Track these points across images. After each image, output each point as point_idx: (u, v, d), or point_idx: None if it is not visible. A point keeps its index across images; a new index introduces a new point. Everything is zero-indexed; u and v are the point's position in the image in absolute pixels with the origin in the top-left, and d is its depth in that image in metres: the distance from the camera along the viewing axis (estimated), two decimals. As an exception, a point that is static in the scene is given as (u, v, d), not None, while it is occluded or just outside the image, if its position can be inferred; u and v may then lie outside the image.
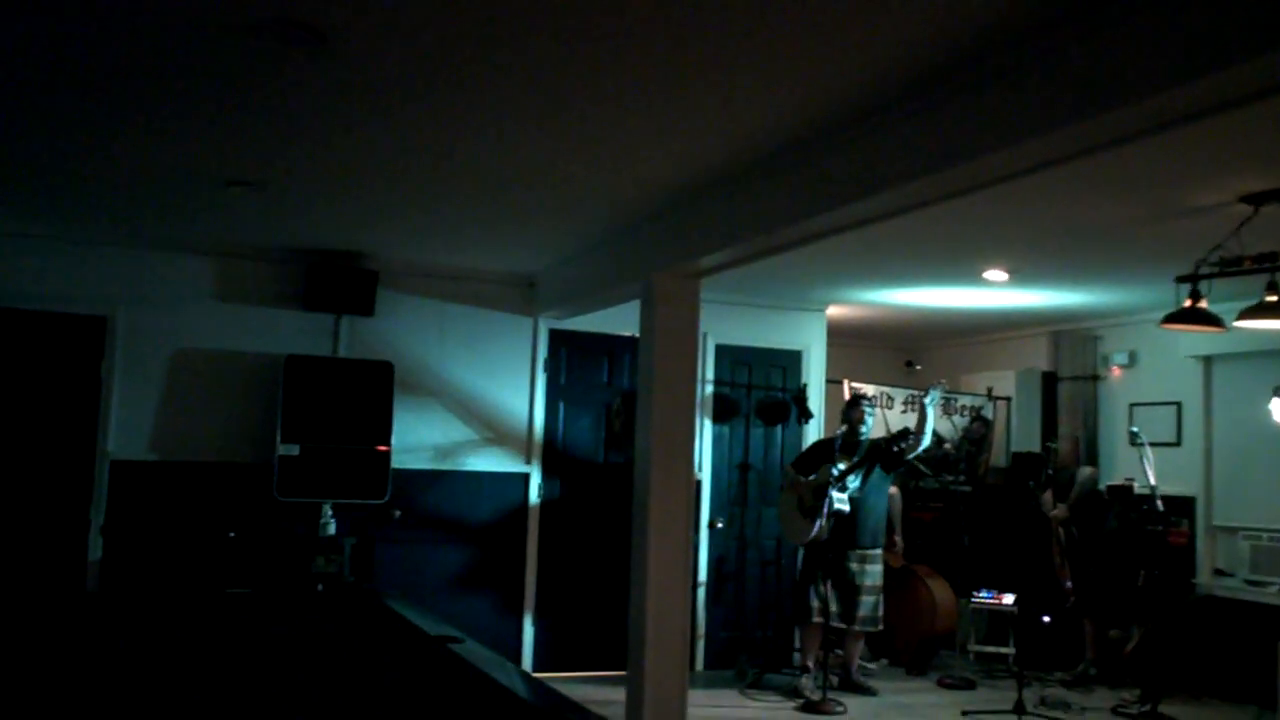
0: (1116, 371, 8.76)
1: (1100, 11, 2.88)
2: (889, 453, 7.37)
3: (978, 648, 8.40)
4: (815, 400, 8.42)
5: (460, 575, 7.47)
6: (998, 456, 9.19)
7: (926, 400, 7.32)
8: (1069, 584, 7.92)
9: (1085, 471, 8.33)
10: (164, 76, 3.82)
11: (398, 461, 7.16)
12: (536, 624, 7.69)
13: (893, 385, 9.06)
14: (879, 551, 7.45)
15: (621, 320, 7.34)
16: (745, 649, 8.06)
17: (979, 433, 9.10)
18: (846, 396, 8.38)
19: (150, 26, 3.36)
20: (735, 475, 8.29)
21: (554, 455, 7.82)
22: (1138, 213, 5.22)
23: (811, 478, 7.32)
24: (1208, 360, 7.97)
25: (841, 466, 7.19)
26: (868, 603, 7.31)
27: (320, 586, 6.67)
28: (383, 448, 7.07)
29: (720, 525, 8.18)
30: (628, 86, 3.74)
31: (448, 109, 4.09)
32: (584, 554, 7.78)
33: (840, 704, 6.98)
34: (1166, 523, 7.45)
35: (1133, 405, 8.48)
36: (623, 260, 6.18)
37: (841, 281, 7.62)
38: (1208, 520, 7.90)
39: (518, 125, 4.26)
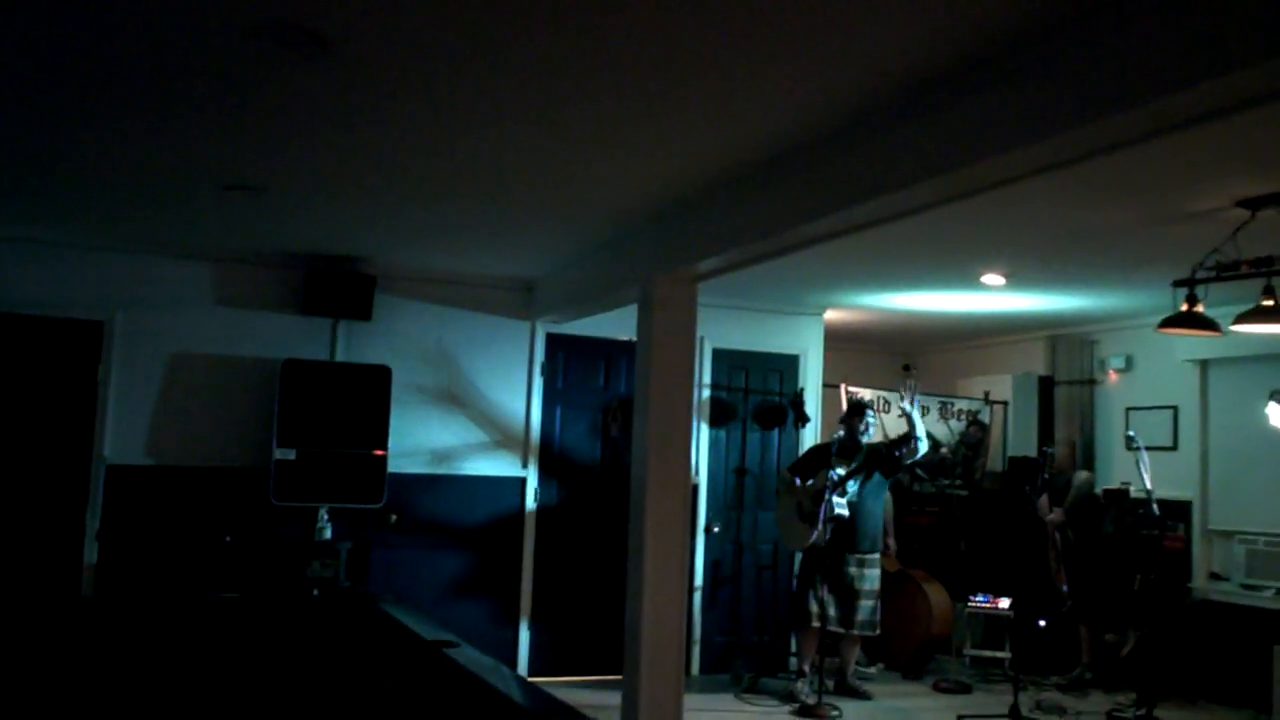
0: (1113, 376, 8.77)
1: (1100, 16, 2.89)
2: (889, 458, 7.38)
3: (973, 652, 8.40)
4: (812, 404, 8.42)
5: (456, 579, 7.47)
6: (994, 461, 9.20)
7: (904, 404, 7.31)
8: (1065, 588, 7.93)
9: (1081, 476, 8.34)
10: (162, 80, 3.82)
11: (394, 466, 7.16)
12: (532, 628, 7.68)
13: (890, 390, 9.05)
14: (877, 556, 7.45)
15: (619, 325, 7.35)
16: (741, 653, 8.05)
17: (975, 437, 9.11)
18: (844, 400, 8.39)
19: (150, 29, 3.35)
20: (732, 479, 8.29)
21: (551, 459, 7.81)
22: (1135, 217, 5.22)
23: (809, 483, 7.32)
24: (1204, 365, 7.98)
25: (840, 471, 7.19)
26: (866, 607, 7.32)
27: (316, 591, 6.66)
28: (380, 452, 7.06)
29: (716, 530, 8.18)
30: (626, 90, 3.74)
31: (446, 113, 4.09)
32: (580, 558, 7.77)
33: (836, 708, 6.98)
34: (1162, 527, 7.45)
35: (1129, 409, 8.49)
36: (620, 264, 6.18)
37: (839, 286, 7.63)
38: (1204, 525, 7.91)
39: (516, 130, 4.26)
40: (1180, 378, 8.09)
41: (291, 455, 6.85)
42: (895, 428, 8.18)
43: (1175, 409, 8.17)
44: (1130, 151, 3.16)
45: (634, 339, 6.04)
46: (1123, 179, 4.58)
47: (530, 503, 7.70)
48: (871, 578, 7.36)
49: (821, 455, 7.45)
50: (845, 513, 7.14)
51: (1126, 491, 7.81)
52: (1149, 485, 7.00)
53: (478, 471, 7.58)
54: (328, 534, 6.99)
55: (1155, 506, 7.10)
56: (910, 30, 3.13)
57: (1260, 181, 4.54)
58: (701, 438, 8.11)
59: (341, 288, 7.11)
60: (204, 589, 6.61)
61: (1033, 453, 8.74)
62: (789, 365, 8.51)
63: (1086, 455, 8.81)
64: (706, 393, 8.19)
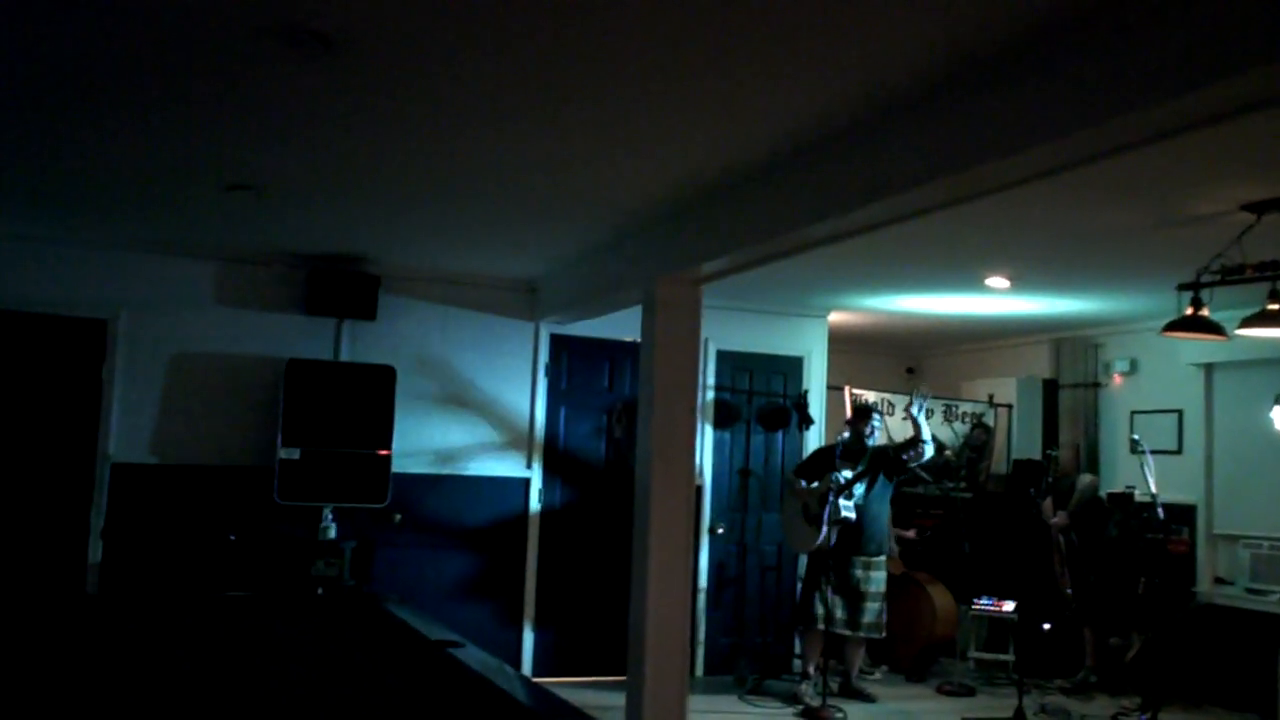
0: (1118, 379, 8.76)
1: (1104, 19, 2.89)
2: (895, 460, 7.38)
3: (978, 655, 8.40)
4: (816, 406, 8.42)
5: (460, 579, 7.47)
6: (999, 463, 9.19)
7: (913, 410, 7.30)
8: (1069, 591, 7.92)
9: (1085, 479, 8.32)
10: (166, 79, 3.83)
11: (398, 466, 7.16)
12: (536, 628, 7.68)
13: (894, 392, 9.06)
14: (883, 558, 7.44)
15: (623, 325, 7.35)
16: (745, 655, 8.05)
17: (980, 440, 9.10)
18: (848, 403, 8.39)
19: (154, 29, 3.36)
20: (736, 481, 8.29)
21: (555, 460, 7.82)
22: (1140, 220, 5.22)
23: (814, 485, 7.31)
24: (1209, 368, 7.97)
25: (846, 474, 7.18)
26: (872, 609, 7.31)
27: (320, 590, 6.66)
28: (384, 452, 7.07)
29: (721, 531, 8.18)
30: (631, 91, 3.75)
31: (450, 113, 4.09)
32: (584, 558, 7.78)
33: (840, 710, 6.98)
34: (1167, 531, 7.44)
35: (1134, 413, 8.48)
36: (624, 266, 6.18)
37: (844, 288, 7.63)
38: (1208, 528, 7.90)
39: (520, 130, 4.26)
40: (1185, 381, 8.08)
41: (296, 455, 6.86)
42: (900, 430, 8.17)
43: (1180, 413, 8.16)
44: (1135, 154, 3.16)
45: (638, 340, 6.05)
46: (1127, 182, 4.58)
47: (534, 503, 7.71)
48: (877, 580, 7.35)
49: (826, 458, 7.44)
50: (852, 516, 7.14)
51: (1131, 495, 7.80)
52: (1154, 489, 6.99)
53: (482, 472, 7.59)
54: (332, 533, 7.00)
55: (1160, 510, 7.09)
56: (915, 33, 3.13)
57: (1265, 185, 4.53)
58: (705, 439, 8.11)
59: (345, 288, 7.12)
60: (208, 588, 6.61)
61: (1037, 456, 8.74)
62: (793, 367, 8.51)
63: (1091, 459, 8.80)
64: (710, 394, 8.19)
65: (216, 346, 7.05)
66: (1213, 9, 2.60)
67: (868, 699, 7.43)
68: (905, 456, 7.33)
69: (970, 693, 7.74)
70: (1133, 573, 7.45)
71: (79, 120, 4.38)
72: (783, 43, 3.26)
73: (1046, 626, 7.85)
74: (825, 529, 7.06)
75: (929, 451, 7.36)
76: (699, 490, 7.93)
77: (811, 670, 7.36)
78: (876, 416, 7.64)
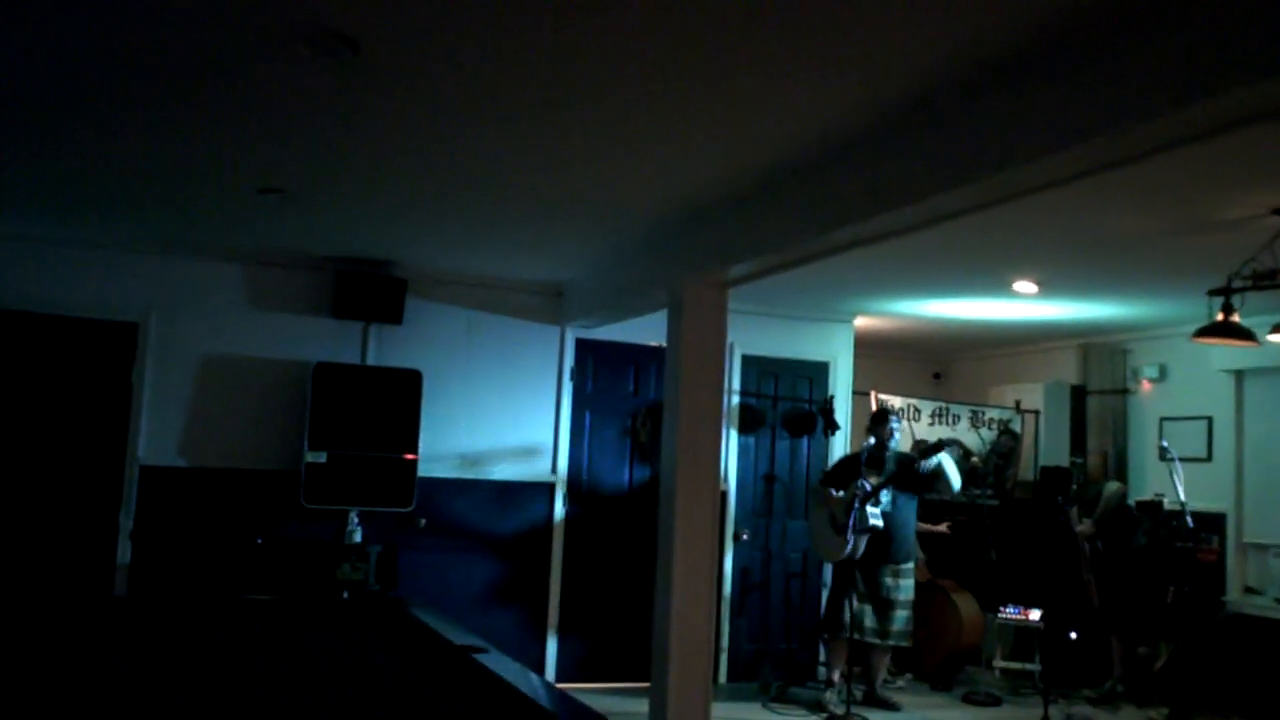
0: (1146, 385, 8.69)
1: (1135, 21, 2.87)
2: (917, 477, 7.32)
3: (1003, 664, 8.34)
4: (842, 412, 8.39)
5: (484, 583, 7.48)
6: (1025, 470, 9.13)
7: (942, 457, 7.24)
8: (1096, 600, 7.86)
9: (1111, 487, 8.26)
10: (196, 84, 3.86)
11: (424, 470, 7.19)
12: (560, 633, 7.68)
13: (920, 397, 9.02)
14: (911, 565, 7.40)
15: (648, 330, 7.35)
16: (769, 662, 8.03)
17: (1006, 446, 9.04)
18: (874, 408, 8.36)
19: (185, 35, 3.39)
20: (761, 487, 8.27)
21: (580, 465, 7.82)
22: (1169, 225, 5.18)
23: (841, 494, 7.28)
24: (1239, 374, 7.89)
25: (872, 481, 7.15)
26: (901, 617, 7.27)
27: (345, 594, 6.69)
28: (410, 456, 7.09)
29: (745, 537, 8.16)
30: (659, 93, 3.74)
31: (478, 118, 4.11)
32: (608, 563, 7.77)
33: (864, 718, 6.94)
34: (1196, 539, 7.38)
35: (1163, 419, 8.41)
36: (651, 269, 6.18)
37: (870, 292, 7.60)
38: (1238, 537, 7.82)
39: (547, 134, 4.27)
40: (1215, 388, 8.01)
41: (322, 458, 6.90)
42: (923, 435, 8.14)
43: (1210, 419, 8.09)
44: (1165, 158, 3.13)
45: (664, 344, 6.05)
46: (1157, 186, 4.55)
47: (559, 507, 7.71)
48: (906, 588, 7.31)
49: (852, 465, 7.42)
50: (879, 524, 7.10)
51: (1160, 503, 7.73)
52: (1182, 497, 6.93)
53: (506, 476, 7.60)
54: (357, 537, 7.03)
55: (1189, 518, 7.03)
56: (944, 34, 3.12)
57: (1297, 190, 4.49)
58: (731, 444, 8.10)
59: (372, 291, 7.15)
60: (235, 590, 6.66)
61: (1065, 463, 8.67)
62: (819, 372, 8.48)
63: (1119, 466, 8.73)
64: (736, 399, 8.18)
65: (245, 349, 7.09)
66: (1244, 11, 2.58)
67: (892, 707, 7.39)
68: (917, 466, 7.26)
69: (996, 702, 7.69)
70: (1161, 582, 7.39)
71: (110, 125, 4.42)
72: (812, 45, 3.25)
73: (1073, 635, 7.79)
74: (853, 538, 7.03)
75: (955, 487, 7.34)
76: (724, 496, 7.92)
77: (836, 678, 7.33)
78: (895, 419, 7.60)
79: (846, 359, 8.57)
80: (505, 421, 7.62)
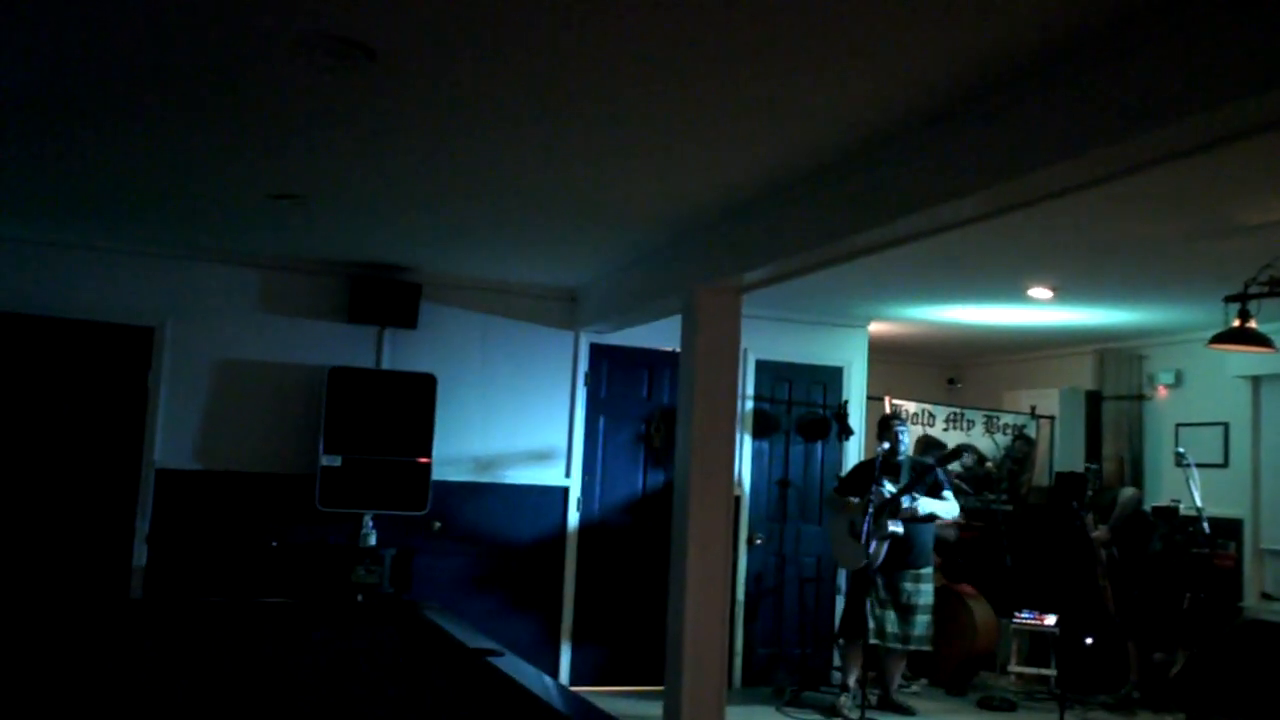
0: (1162, 391, 8.66)
1: (1151, 27, 2.86)
2: (928, 476, 7.30)
3: (1019, 669, 8.31)
4: (856, 417, 8.38)
5: (498, 586, 7.49)
6: (1040, 476, 9.11)
7: (926, 504, 7.22)
8: (1111, 606, 7.84)
9: (1127, 493, 8.23)
10: (211, 90, 3.88)
11: (438, 473, 7.20)
12: (574, 635, 7.68)
13: (935, 402, 9.00)
14: (930, 570, 7.38)
15: (662, 335, 7.35)
16: (783, 666, 8.02)
17: (1021, 451, 9.02)
18: (887, 413, 8.35)
19: (200, 41, 3.41)
20: (775, 491, 8.26)
21: (593, 469, 7.83)
22: (1186, 230, 5.16)
23: (859, 500, 7.25)
24: (1256, 380, 7.85)
25: (890, 487, 7.12)
26: (921, 622, 7.25)
27: (360, 597, 6.70)
28: (424, 460, 7.11)
29: (759, 541, 8.16)
30: (673, 99, 3.75)
31: (493, 124, 4.12)
32: (622, 567, 7.78)
33: (879, 723, 6.94)
34: (1213, 545, 7.35)
35: (1179, 425, 8.37)
36: (665, 275, 6.19)
37: (884, 297, 7.59)
38: (1255, 543, 7.78)
39: (563, 140, 4.28)
40: (1231, 394, 7.97)
41: (337, 462, 6.92)
42: (942, 439, 8.13)
43: (1226, 425, 8.05)
44: (1180, 164, 3.13)
45: (678, 350, 6.05)
46: (1173, 192, 4.53)
47: (573, 511, 7.72)
48: (926, 593, 7.29)
49: (866, 472, 7.39)
50: (900, 530, 7.08)
51: (1176, 509, 7.70)
52: (1199, 503, 6.90)
53: (520, 480, 7.61)
54: (372, 540, 7.05)
55: (1206, 524, 6.99)
56: (959, 40, 3.12)
57: (1315, 195, 4.47)
58: (744, 449, 8.10)
59: (387, 296, 7.17)
60: (250, 593, 6.68)
61: (1080, 468, 8.64)
62: (833, 377, 8.47)
63: (1135, 472, 8.70)
64: (750, 404, 8.17)
65: (260, 354, 7.12)
66: (1260, 17, 2.57)
67: (908, 712, 7.37)
68: (921, 515, 7.26)
69: (1011, 707, 7.66)
70: (1178, 587, 7.36)
71: (127, 129, 4.45)
72: (826, 51, 3.25)
73: (1089, 641, 7.76)
74: (873, 545, 7.01)
75: (954, 513, 7.42)
76: (738, 500, 7.92)
77: (851, 683, 7.31)
78: (900, 425, 7.56)
79: (861, 364, 8.56)
80: (519, 426, 7.63)
